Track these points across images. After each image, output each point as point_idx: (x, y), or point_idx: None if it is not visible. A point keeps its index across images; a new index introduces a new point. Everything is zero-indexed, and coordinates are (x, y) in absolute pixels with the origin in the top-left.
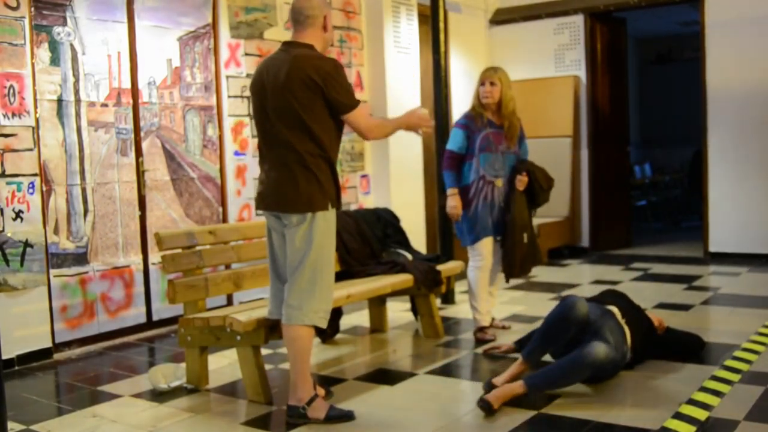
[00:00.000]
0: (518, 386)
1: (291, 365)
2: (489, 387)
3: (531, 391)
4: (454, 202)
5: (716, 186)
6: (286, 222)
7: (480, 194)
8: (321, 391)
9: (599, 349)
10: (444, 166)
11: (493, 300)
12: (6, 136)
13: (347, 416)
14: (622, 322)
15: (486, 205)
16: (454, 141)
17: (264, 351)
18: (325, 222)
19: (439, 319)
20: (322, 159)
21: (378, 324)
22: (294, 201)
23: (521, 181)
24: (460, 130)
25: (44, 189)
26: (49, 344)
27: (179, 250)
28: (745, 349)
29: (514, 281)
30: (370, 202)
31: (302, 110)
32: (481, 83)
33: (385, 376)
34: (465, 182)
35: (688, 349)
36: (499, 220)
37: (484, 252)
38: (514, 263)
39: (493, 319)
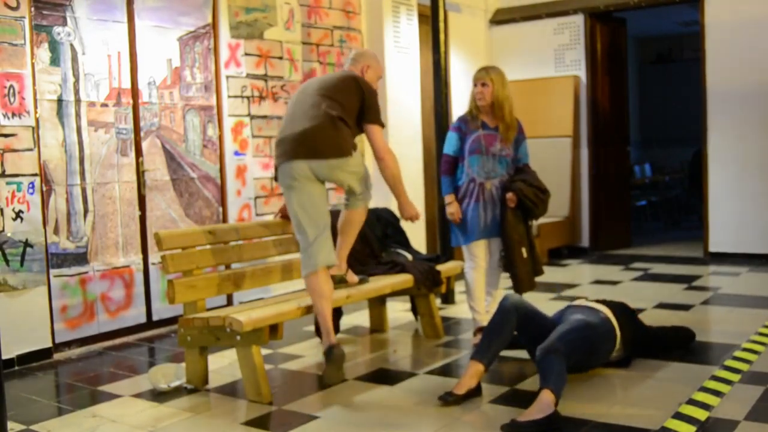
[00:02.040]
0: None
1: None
2: (449, 397)
3: (556, 390)
4: (452, 209)
5: (716, 186)
6: (323, 164)
7: (470, 196)
8: (354, 278)
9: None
10: (441, 170)
11: (495, 300)
12: (6, 136)
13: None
14: (595, 304)
15: (476, 207)
16: (449, 144)
17: (264, 351)
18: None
19: (439, 319)
20: (346, 125)
21: (378, 324)
22: (337, 147)
23: (511, 200)
24: (454, 132)
25: (44, 189)
26: (49, 344)
27: (179, 250)
28: (745, 349)
29: None
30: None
31: (341, 94)
32: (474, 85)
33: (385, 376)
34: (457, 184)
35: (679, 341)
36: (493, 223)
37: (477, 253)
38: (520, 280)
39: None
